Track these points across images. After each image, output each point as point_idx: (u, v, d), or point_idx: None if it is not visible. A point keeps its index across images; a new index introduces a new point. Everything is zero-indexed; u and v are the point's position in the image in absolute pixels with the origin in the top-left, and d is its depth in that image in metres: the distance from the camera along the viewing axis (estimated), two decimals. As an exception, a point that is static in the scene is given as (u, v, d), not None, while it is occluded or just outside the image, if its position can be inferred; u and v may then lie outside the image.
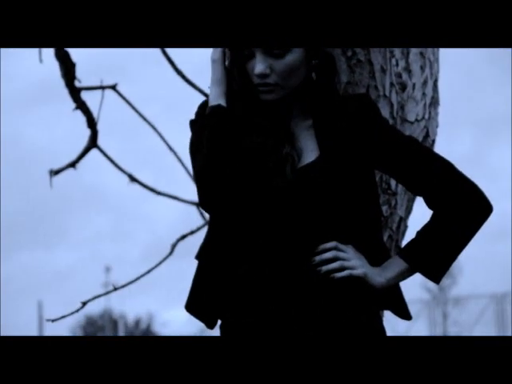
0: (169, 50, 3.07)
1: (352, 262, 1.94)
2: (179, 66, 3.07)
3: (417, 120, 2.51)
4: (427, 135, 2.55)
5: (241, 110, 1.99)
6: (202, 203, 1.95)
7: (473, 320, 19.78)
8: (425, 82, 2.53)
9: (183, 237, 3.36)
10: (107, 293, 3.19)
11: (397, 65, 2.47)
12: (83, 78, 3.04)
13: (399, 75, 2.47)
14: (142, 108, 3.41)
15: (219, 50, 2.01)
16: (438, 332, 20.25)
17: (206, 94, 2.84)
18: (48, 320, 2.85)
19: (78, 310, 2.90)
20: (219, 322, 2.05)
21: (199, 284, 2.04)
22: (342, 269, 1.93)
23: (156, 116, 3.70)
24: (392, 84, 2.44)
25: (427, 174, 1.98)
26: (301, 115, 2.02)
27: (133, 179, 3.55)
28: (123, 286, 3.15)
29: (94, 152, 3.38)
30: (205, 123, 1.95)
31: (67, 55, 2.93)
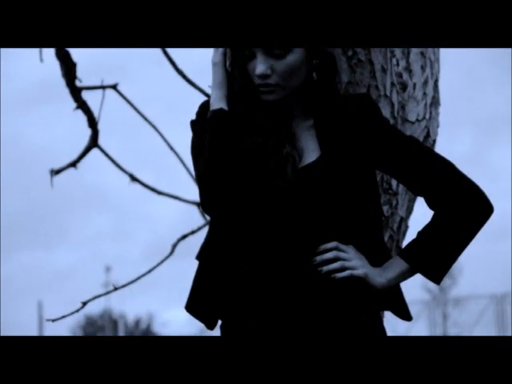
0: (170, 50, 3.06)
1: (353, 263, 1.94)
2: (180, 66, 3.07)
3: (417, 120, 2.51)
4: (428, 135, 2.55)
5: (242, 111, 1.99)
6: (205, 206, 1.95)
7: (473, 321, 19.78)
8: (425, 82, 2.53)
9: (184, 237, 3.36)
10: (107, 293, 3.18)
11: (397, 64, 2.47)
12: (84, 77, 3.04)
13: (400, 75, 2.47)
14: (142, 108, 3.41)
15: (220, 53, 2.01)
16: (438, 333, 20.24)
17: (206, 94, 2.84)
18: (48, 320, 2.85)
19: (78, 310, 2.90)
20: (219, 322, 2.05)
21: (200, 284, 2.03)
22: (343, 269, 1.93)
23: (157, 116, 3.70)
24: (393, 84, 2.43)
25: (428, 174, 1.98)
26: (302, 115, 2.02)
27: (134, 179, 3.55)
28: (123, 286, 3.14)
29: (94, 152, 3.38)
30: (206, 127, 1.95)
31: (68, 55, 2.93)
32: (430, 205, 2.01)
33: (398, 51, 2.47)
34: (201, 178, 1.93)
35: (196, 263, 2.05)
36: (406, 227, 2.57)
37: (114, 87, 3.23)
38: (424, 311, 20.46)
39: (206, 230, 2.07)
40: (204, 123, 1.97)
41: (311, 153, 1.97)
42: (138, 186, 3.59)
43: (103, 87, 3.15)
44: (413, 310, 2.21)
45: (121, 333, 25.84)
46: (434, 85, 2.56)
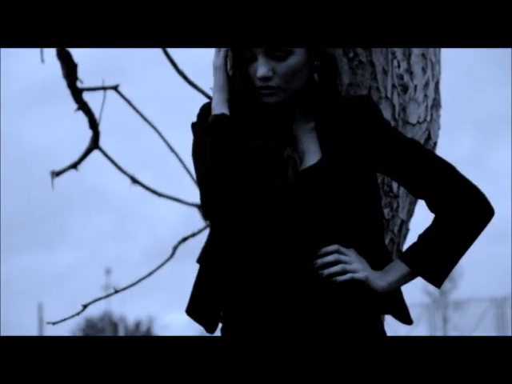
0: (170, 51, 3.06)
1: (354, 266, 1.94)
2: (181, 67, 3.06)
3: (418, 122, 2.50)
4: (429, 137, 2.55)
5: (243, 113, 1.98)
6: (206, 211, 1.94)
7: (473, 324, 19.77)
8: (426, 84, 2.52)
9: (184, 239, 3.35)
10: (108, 296, 3.17)
11: (398, 66, 2.47)
12: (84, 78, 3.04)
13: (401, 77, 2.47)
14: (143, 109, 3.41)
15: (221, 56, 2.00)
16: (439, 336, 20.25)
17: (207, 95, 2.84)
18: (48, 323, 2.84)
19: (78, 313, 2.89)
20: (219, 326, 2.04)
21: (200, 288, 2.03)
22: (344, 272, 1.93)
23: (157, 117, 3.70)
24: (394, 86, 2.43)
25: (429, 176, 1.97)
26: (303, 117, 2.02)
27: (135, 181, 3.55)
28: (124, 289, 3.13)
29: (95, 153, 3.37)
30: (208, 131, 1.95)
31: (69, 55, 2.92)
32: (431, 207, 2.01)
33: (399, 53, 2.47)
34: (202, 183, 1.92)
35: (197, 266, 2.04)
36: (407, 230, 2.57)
37: (115, 88, 3.22)
38: (424, 314, 20.46)
39: (206, 232, 2.07)
40: (205, 127, 1.97)
41: (312, 155, 1.97)
42: (138, 187, 3.59)
43: (104, 88, 3.14)
44: (413, 313, 2.21)
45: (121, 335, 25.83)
46: (435, 87, 2.56)
